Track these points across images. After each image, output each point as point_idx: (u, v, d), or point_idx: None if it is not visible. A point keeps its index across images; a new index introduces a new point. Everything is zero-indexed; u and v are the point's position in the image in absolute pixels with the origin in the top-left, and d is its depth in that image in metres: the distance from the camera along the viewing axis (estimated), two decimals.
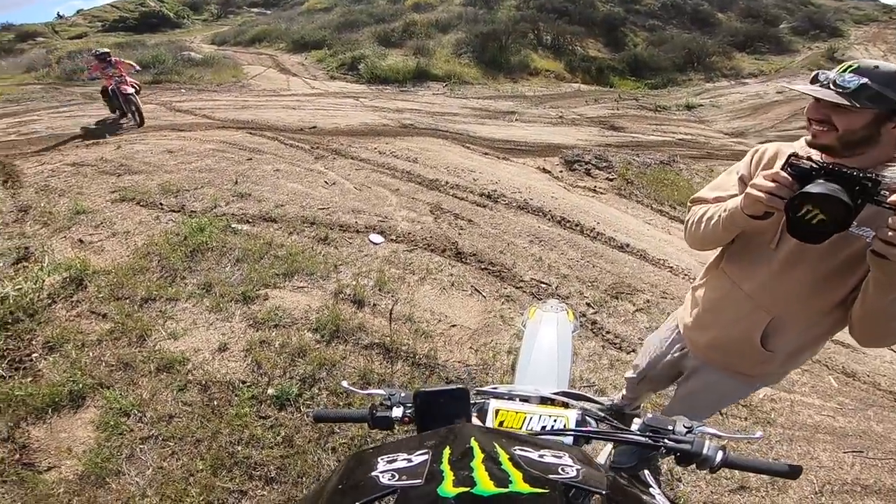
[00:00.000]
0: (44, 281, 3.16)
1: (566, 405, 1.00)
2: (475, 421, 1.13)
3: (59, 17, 28.10)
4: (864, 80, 1.02)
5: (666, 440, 0.85)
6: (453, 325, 3.07)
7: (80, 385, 2.47)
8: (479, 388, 1.04)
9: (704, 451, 0.82)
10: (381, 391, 1.00)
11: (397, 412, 0.95)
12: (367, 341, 2.84)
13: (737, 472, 2.15)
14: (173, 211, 4.07)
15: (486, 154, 6.34)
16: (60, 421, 2.35)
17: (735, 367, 1.44)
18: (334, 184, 4.85)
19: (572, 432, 0.90)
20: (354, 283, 3.32)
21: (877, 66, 1.05)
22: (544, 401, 1.00)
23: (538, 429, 0.92)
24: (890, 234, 0.92)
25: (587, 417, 0.95)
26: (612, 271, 3.84)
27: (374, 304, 3.16)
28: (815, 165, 1.01)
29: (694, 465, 0.83)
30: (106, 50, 7.45)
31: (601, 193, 5.50)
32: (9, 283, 3.15)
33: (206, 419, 2.34)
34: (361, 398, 2.33)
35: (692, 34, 19.68)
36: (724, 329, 1.40)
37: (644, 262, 4.07)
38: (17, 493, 2.04)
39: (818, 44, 20.79)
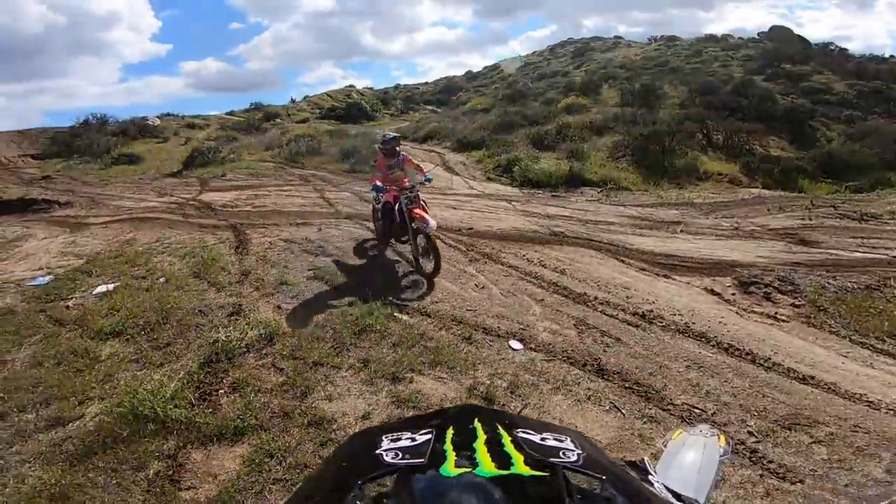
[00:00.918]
0: (246, 333, 3.97)
1: None
2: None
3: (292, 101, 33.00)
4: None
5: None
6: None
7: (245, 423, 2.99)
8: None
9: None
10: None
11: None
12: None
13: None
14: (350, 294, 4.75)
15: (642, 269, 5.95)
16: (219, 450, 2.85)
17: None
18: (483, 287, 5.09)
19: None
20: (489, 382, 3.45)
21: None
22: None
23: None
24: None
25: None
26: (788, 402, 3.31)
27: (504, 405, 3.21)
28: None
29: None
30: (395, 134, 5.75)
31: (783, 321, 4.71)
32: (223, 330, 4.05)
33: None
34: None
35: None
36: None
37: (833, 396, 3.40)
38: (153, 503, 2.48)
39: None
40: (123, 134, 20.37)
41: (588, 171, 12.31)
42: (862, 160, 14.27)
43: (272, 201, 8.89)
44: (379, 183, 5.19)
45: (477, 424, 0.62)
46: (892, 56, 29.10)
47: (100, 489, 2.59)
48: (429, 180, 5.69)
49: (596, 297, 4.84)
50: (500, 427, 0.61)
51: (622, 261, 6.20)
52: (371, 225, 6.54)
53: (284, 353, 3.74)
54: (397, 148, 5.46)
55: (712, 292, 5.32)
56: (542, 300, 4.83)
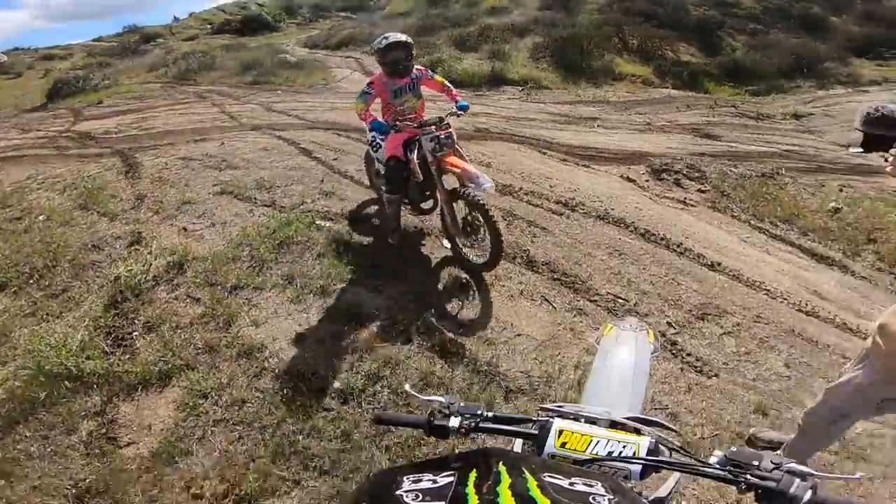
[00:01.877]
0: (151, 264, 3.52)
1: (638, 431, 0.92)
2: (517, 446, 1.08)
3: (175, 20, 30.68)
4: None
5: (748, 475, 0.77)
6: (518, 335, 3.01)
7: (170, 365, 2.70)
8: (544, 406, 0.99)
9: (792, 489, 0.72)
10: (440, 398, 0.98)
11: (454, 422, 0.93)
12: (430, 343, 2.87)
13: None
14: (265, 205, 4.36)
15: (564, 161, 6.10)
16: (147, 399, 2.59)
17: None
18: None
19: (642, 461, 0.83)
20: (425, 286, 3.38)
21: None
22: (614, 425, 0.93)
23: (605, 454, 0.85)
24: None
25: (660, 446, 0.88)
26: (700, 291, 3.56)
27: (442, 307, 3.19)
28: None
29: None
30: (403, 38, 3.39)
31: (692, 206, 5.10)
32: (122, 264, 3.55)
33: (274, 406, 2.48)
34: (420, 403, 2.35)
35: (801, 39, 17.78)
36: None
37: (737, 283, 3.73)
38: (96, 466, 2.25)
39: None
40: None
41: (510, 71, 12.28)
42: (762, 68, 15.52)
43: (162, 122, 7.80)
44: (379, 118, 3.45)
45: (501, 468, 0.60)
46: None
47: (36, 459, 2.28)
48: (463, 107, 3.47)
49: (521, 188, 4.86)
50: (525, 471, 0.60)
51: (544, 153, 6.30)
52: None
53: (198, 280, 3.35)
54: (410, 61, 3.42)
55: (628, 179, 5.60)
56: None
